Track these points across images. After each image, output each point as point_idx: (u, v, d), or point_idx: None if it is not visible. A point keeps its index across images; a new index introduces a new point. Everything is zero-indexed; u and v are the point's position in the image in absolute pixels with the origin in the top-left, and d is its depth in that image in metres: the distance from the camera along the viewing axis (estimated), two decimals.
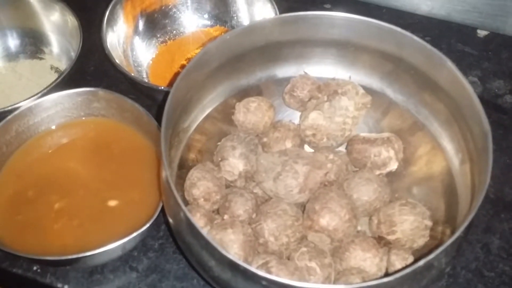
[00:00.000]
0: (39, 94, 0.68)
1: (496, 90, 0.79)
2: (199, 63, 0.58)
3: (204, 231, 0.57)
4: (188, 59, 0.80)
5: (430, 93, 0.61)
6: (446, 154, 0.61)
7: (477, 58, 0.82)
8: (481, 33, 0.83)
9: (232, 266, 0.48)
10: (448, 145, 0.61)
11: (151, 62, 0.80)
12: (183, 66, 0.79)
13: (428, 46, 0.57)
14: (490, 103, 0.77)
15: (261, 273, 0.47)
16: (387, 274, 0.57)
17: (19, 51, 0.82)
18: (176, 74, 0.78)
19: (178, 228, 0.54)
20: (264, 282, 0.47)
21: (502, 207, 0.68)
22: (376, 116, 0.68)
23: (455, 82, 0.56)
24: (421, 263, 0.46)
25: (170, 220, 0.55)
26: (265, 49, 0.64)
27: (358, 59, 0.65)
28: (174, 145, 0.61)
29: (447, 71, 0.57)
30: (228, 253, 0.47)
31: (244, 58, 0.64)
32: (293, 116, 0.69)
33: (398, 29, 0.59)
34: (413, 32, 0.82)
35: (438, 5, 0.78)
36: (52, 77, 0.79)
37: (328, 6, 0.87)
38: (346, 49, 0.64)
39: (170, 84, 0.76)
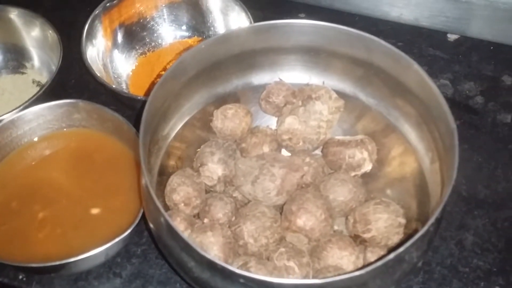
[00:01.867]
0: (21, 107, 0.70)
1: (467, 92, 0.81)
2: (175, 72, 0.60)
3: (184, 234, 0.58)
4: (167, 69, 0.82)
5: (400, 96, 0.63)
6: (418, 154, 0.63)
7: (448, 62, 0.84)
8: (451, 37, 0.86)
9: (211, 265, 0.49)
10: (419, 146, 0.63)
11: (131, 73, 0.82)
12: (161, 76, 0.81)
13: (395, 50, 0.60)
14: (461, 105, 0.80)
15: (239, 271, 0.48)
16: None
17: (1, 67, 0.84)
18: (155, 84, 0.79)
19: (159, 232, 0.55)
20: (242, 280, 0.48)
21: (475, 205, 0.70)
22: (351, 119, 0.70)
23: (422, 84, 0.58)
24: (391, 256, 0.47)
25: (151, 225, 0.57)
26: (240, 57, 0.66)
27: (331, 65, 0.67)
28: (154, 152, 0.63)
29: (414, 73, 0.59)
30: (207, 254, 0.49)
31: (220, 67, 0.66)
32: (270, 122, 0.71)
33: (366, 34, 0.61)
34: (385, 38, 0.84)
35: (407, 11, 0.81)
36: (34, 91, 0.81)
37: (302, 15, 0.89)
38: (318, 55, 0.66)
39: (149, 93, 0.77)
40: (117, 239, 0.59)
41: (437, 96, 0.56)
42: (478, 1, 0.74)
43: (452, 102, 0.79)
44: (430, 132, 0.61)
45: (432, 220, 0.50)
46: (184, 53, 0.61)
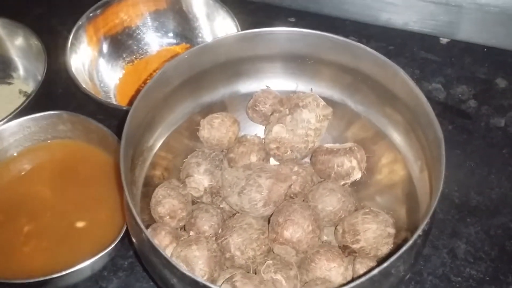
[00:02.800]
0: (5, 120, 0.69)
1: (460, 96, 0.80)
2: (157, 83, 0.59)
3: (168, 250, 0.58)
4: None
5: (389, 103, 0.62)
6: (407, 162, 0.62)
7: (440, 65, 0.83)
8: (444, 40, 0.85)
9: (193, 283, 0.48)
10: (408, 153, 0.62)
11: (118, 82, 0.81)
12: None
13: (382, 57, 0.59)
14: (454, 109, 0.79)
15: None
16: None
17: None
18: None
19: (141, 248, 0.55)
20: None
21: (467, 212, 0.69)
22: (340, 127, 0.69)
23: (409, 91, 0.57)
24: (375, 271, 0.46)
25: (134, 240, 0.56)
26: (226, 65, 0.65)
27: (318, 72, 0.66)
28: (138, 164, 0.62)
29: (401, 81, 0.58)
30: (192, 271, 0.48)
31: (206, 75, 0.65)
32: (258, 130, 0.70)
33: (352, 42, 0.60)
34: (376, 41, 0.84)
35: (395, 15, 0.80)
36: (21, 101, 0.79)
37: (292, 20, 0.88)
38: (305, 62, 0.66)
39: (130, 102, 0.77)
40: (101, 254, 0.59)
41: (424, 104, 0.55)
42: (468, 4, 0.73)
43: (445, 106, 0.78)
44: (418, 140, 0.60)
45: (418, 233, 0.49)
46: (166, 63, 0.60)
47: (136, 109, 0.57)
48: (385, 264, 0.47)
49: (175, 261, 0.49)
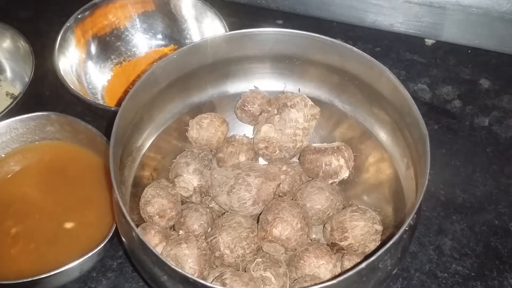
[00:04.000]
0: None
1: (445, 96, 0.81)
2: (146, 83, 0.60)
3: (158, 249, 0.58)
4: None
5: (376, 103, 0.63)
6: (393, 160, 0.63)
7: (425, 66, 0.84)
8: (429, 41, 0.86)
9: (184, 279, 0.49)
10: (395, 152, 0.63)
11: (106, 84, 0.81)
12: None
13: (368, 57, 0.59)
14: (439, 109, 0.80)
15: (211, 285, 0.48)
16: None
17: None
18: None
19: (131, 247, 0.55)
20: None
21: (453, 209, 0.70)
22: (328, 126, 0.69)
23: (395, 91, 0.58)
24: (363, 265, 0.47)
25: (123, 239, 0.56)
26: (214, 66, 0.66)
27: (306, 72, 0.67)
28: (127, 164, 0.62)
29: (387, 80, 0.59)
30: (182, 269, 0.48)
31: (194, 76, 0.65)
32: (247, 130, 0.70)
33: (339, 42, 0.61)
34: (363, 43, 0.85)
35: (381, 17, 0.81)
36: (8, 103, 0.79)
37: (280, 22, 0.89)
38: (293, 63, 0.66)
39: (118, 103, 0.77)
40: (90, 254, 0.58)
41: (409, 102, 0.56)
42: (451, 6, 0.74)
43: (430, 107, 0.80)
44: (404, 139, 0.61)
45: (404, 227, 0.50)
46: (154, 63, 0.60)
47: (124, 110, 0.57)
48: (372, 258, 0.48)
49: (165, 258, 0.49)
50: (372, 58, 0.59)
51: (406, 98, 0.57)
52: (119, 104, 0.78)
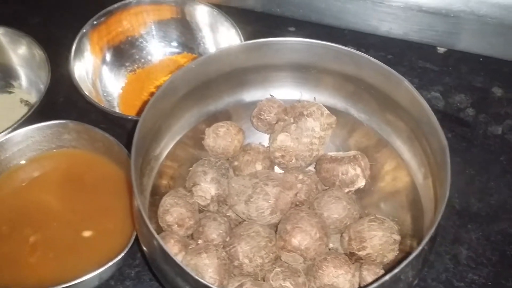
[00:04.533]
0: (10, 129, 0.69)
1: (458, 104, 0.82)
2: (166, 92, 0.60)
3: (178, 258, 0.58)
4: (157, 87, 0.81)
5: (391, 111, 0.64)
6: (410, 169, 0.63)
7: (438, 74, 0.85)
8: (441, 49, 0.87)
9: None
10: (412, 161, 0.63)
11: (121, 91, 0.81)
12: (152, 94, 0.80)
13: (385, 66, 0.60)
14: (452, 117, 0.80)
15: None
16: None
17: None
18: (146, 102, 0.79)
19: (153, 256, 0.55)
20: None
21: (468, 218, 0.71)
22: (343, 135, 0.70)
23: (413, 100, 0.58)
24: (387, 277, 0.47)
25: (144, 248, 0.56)
26: (231, 75, 0.66)
27: (322, 81, 0.67)
28: (146, 173, 0.62)
29: (405, 90, 0.59)
30: (202, 279, 0.48)
31: (211, 85, 0.65)
32: (262, 138, 0.71)
33: (356, 51, 0.61)
34: (375, 51, 0.85)
35: (396, 26, 0.81)
36: (22, 110, 0.80)
37: (292, 29, 0.89)
38: (309, 72, 0.66)
39: (140, 112, 0.77)
40: (110, 263, 0.59)
41: (428, 113, 0.57)
42: (467, 15, 0.74)
43: (443, 115, 0.80)
44: (422, 148, 0.61)
45: (426, 239, 0.50)
46: (174, 73, 0.60)
47: (144, 119, 0.57)
48: (395, 270, 0.48)
49: (188, 268, 0.49)
50: (389, 68, 0.59)
51: (425, 109, 0.57)
52: (133, 112, 0.78)
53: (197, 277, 0.48)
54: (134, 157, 0.55)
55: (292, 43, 0.63)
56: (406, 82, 0.59)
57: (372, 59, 0.60)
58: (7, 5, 0.95)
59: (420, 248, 0.49)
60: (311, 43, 0.63)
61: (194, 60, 0.62)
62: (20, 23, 0.84)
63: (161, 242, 0.50)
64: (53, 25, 0.92)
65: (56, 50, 0.79)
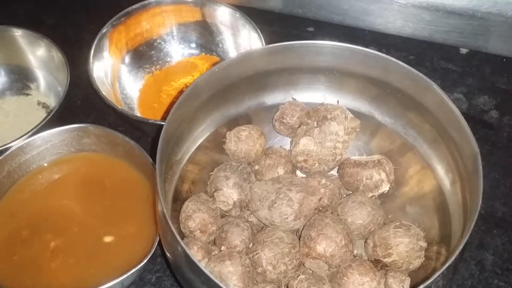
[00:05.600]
0: (30, 133, 0.68)
1: (482, 106, 0.80)
2: (189, 96, 0.59)
3: (203, 266, 0.57)
4: (176, 89, 0.80)
5: (417, 115, 0.62)
6: (436, 174, 0.62)
7: (461, 75, 0.83)
8: (463, 50, 0.85)
9: None
10: (438, 165, 0.62)
11: (139, 93, 0.80)
12: (170, 96, 0.80)
13: (414, 71, 0.58)
14: (476, 119, 0.79)
15: None
16: None
17: (5, 88, 0.82)
18: (167, 105, 0.78)
19: (177, 263, 0.54)
20: None
21: (493, 223, 0.69)
22: (365, 138, 0.69)
23: (442, 105, 0.57)
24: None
25: (168, 255, 0.55)
26: (253, 78, 0.65)
27: (345, 84, 0.66)
28: (168, 178, 0.61)
29: (433, 94, 0.58)
30: (227, 287, 0.47)
31: (232, 88, 0.65)
32: (283, 142, 0.70)
33: (383, 55, 0.60)
34: (396, 51, 0.84)
35: (420, 27, 0.80)
36: (40, 112, 0.79)
37: (311, 29, 0.88)
38: (333, 75, 0.65)
39: (161, 117, 0.76)
40: (133, 270, 0.58)
41: (458, 118, 0.56)
42: (494, 17, 0.73)
43: (467, 117, 0.76)
44: (450, 153, 0.60)
45: (459, 248, 0.49)
46: (197, 77, 0.60)
47: (169, 124, 0.57)
48: (428, 281, 0.47)
49: (215, 277, 0.48)
50: (418, 72, 0.58)
51: (455, 114, 0.56)
52: (151, 114, 0.77)
53: (223, 286, 0.48)
54: (159, 162, 0.54)
55: (316, 46, 0.62)
56: (435, 86, 0.57)
57: (400, 62, 0.59)
58: (21, 5, 0.95)
59: (452, 258, 0.48)
60: (336, 46, 0.62)
61: (215, 62, 0.61)
62: (35, 24, 0.83)
63: (187, 249, 0.50)
64: (68, 26, 0.91)
65: (74, 52, 0.79)
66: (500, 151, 0.75)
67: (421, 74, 0.58)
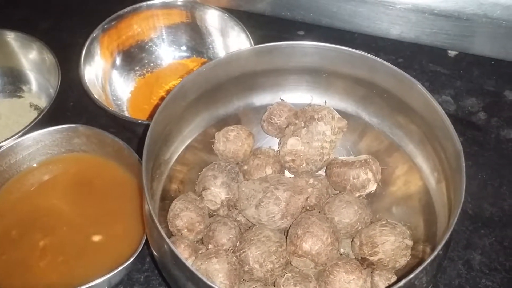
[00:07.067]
0: (20, 133, 0.69)
1: (470, 108, 0.81)
2: (176, 96, 0.60)
3: (189, 263, 0.57)
4: (166, 91, 0.81)
5: (404, 115, 0.63)
6: (423, 173, 0.63)
7: (449, 77, 0.84)
8: (452, 53, 0.86)
9: None
10: (424, 165, 0.63)
11: (130, 95, 0.81)
12: (161, 98, 0.80)
13: (399, 70, 0.59)
14: (464, 121, 0.79)
15: None
16: None
17: None
18: (155, 106, 0.79)
19: (163, 261, 0.54)
20: None
21: (481, 223, 0.70)
22: (353, 138, 0.69)
23: (427, 105, 0.58)
24: (401, 283, 0.47)
25: (155, 253, 0.56)
26: (241, 79, 0.65)
27: (332, 85, 0.67)
28: (156, 177, 0.62)
29: (418, 94, 0.58)
30: (212, 284, 0.48)
31: (221, 89, 0.65)
32: (272, 143, 0.70)
33: (369, 55, 0.60)
34: (385, 54, 0.84)
35: (407, 29, 0.80)
36: (32, 114, 0.80)
37: (301, 33, 0.89)
38: (320, 75, 0.66)
39: (150, 116, 0.77)
40: (120, 268, 0.58)
41: (442, 117, 0.56)
42: (480, 18, 0.74)
43: (455, 119, 0.79)
44: (435, 152, 0.60)
45: (441, 244, 0.49)
46: (185, 77, 0.60)
47: (155, 123, 0.57)
48: (410, 276, 0.47)
49: (200, 273, 0.48)
50: (403, 72, 0.59)
51: (439, 113, 0.56)
52: (142, 116, 0.78)
53: (208, 282, 0.48)
54: (145, 161, 0.54)
55: (303, 47, 0.63)
56: (420, 86, 0.58)
57: (385, 62, 0.60)
58: (18, 10, 0.96)
59: (435, 253, 0.49)
60: (322, 47, 0.62)
61: (204, 64, 0.62)
62: (30, 28, 0.84)
63: (172, 247, 0.50)
64: (63, 30, 0.92)
65: (66, 55, 0.79)
66: (488, 152, 0.76)
67: (405, 74, 0.59)
